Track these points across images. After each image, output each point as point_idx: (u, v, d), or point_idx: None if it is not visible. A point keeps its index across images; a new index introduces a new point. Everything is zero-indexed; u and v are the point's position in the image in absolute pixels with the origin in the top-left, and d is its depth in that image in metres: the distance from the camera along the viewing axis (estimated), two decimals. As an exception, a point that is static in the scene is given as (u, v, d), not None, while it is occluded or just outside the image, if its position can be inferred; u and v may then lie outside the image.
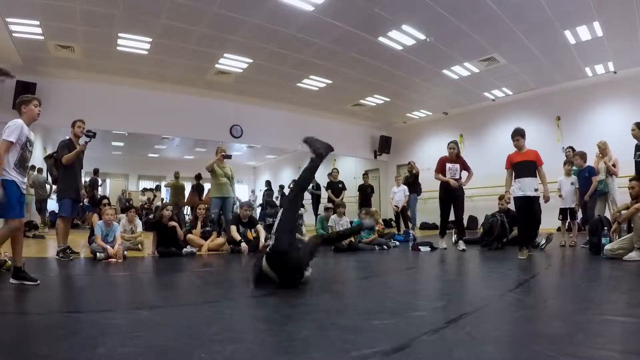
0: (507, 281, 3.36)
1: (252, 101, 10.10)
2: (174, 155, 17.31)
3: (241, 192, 17.61)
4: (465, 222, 9.91)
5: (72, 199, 4.58)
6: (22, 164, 3.03)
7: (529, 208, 4.66)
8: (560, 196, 5.99)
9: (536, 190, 4.67)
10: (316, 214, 9.76)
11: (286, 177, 15.75)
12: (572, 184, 5.85)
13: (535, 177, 4.70)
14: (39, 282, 2.96)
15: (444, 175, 5.52)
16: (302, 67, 8.18)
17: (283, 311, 2.27)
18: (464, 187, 5.62)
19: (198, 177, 10.44)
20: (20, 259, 2.99)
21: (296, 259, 2.86)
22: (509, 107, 10.14)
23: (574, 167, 5.93)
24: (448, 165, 5.59)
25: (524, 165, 4.70)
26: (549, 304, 2.45)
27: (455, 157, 5.67)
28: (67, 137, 4.75)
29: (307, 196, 11.32)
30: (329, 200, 8.81)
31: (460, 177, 5.64)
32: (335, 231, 5.87)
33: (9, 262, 3.31)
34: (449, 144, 5.77)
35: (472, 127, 11.08)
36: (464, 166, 5.71)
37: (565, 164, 6.10)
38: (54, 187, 5.46)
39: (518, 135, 4.79)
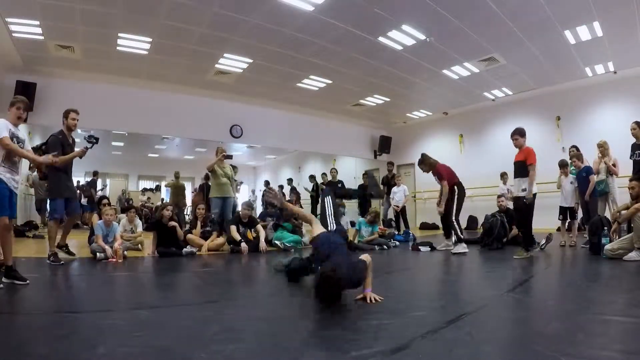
0: (507, 281, 3.36)
1: (252, 101, 10.10)
2: (174, 155, 17.31)
3: (241, 192, 17.60)
4: (465, 222, 9.96)
5: (65, 199, 4.29)
6: (10, 159, 3.02)
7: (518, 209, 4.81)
8: (558, 187, 6.09)
9: (524, 190, 4.62)
10: (315, 215, 9.75)
11: (286, 177, 15.73)
12: (571, 183, 5.85)
13: (525, 177, 4.62)
14: (28, 281, 2.97)
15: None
16: (302, 67, 8.18)
17: (283, 311, 2.27)
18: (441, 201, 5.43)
19: (207, 177, 10.44)
20: (10, 258, 2.99)
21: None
22: (509, 107, 10.14)
23: (572, 168, 5.93)
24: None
25: (516, 165, 4.77)
26: (549, 304, 2.45)
27: (432, 172, 5.60)
28: (59, 130, 4.33)
29: (306, 195, 11.35)
30: None
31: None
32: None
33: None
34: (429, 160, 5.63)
35: (472, 127, 11.08)
36: (439, 177, 5.51)
37: (561, 166, 6.07)
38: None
39: (516, 134, 4.79)
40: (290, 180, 12.41)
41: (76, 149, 4.36)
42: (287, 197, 10.85)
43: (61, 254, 4.39)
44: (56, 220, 4.32)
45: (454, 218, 5.33)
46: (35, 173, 9.71)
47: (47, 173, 4.32)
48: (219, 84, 9.10)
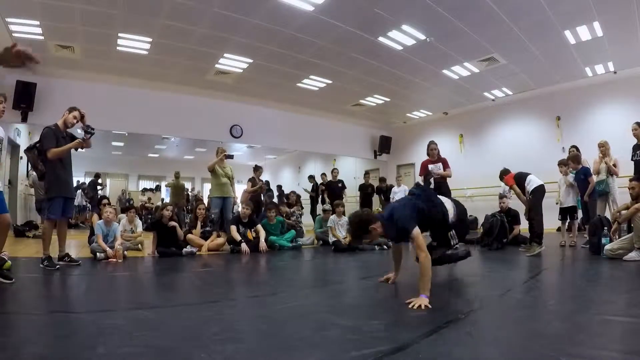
0: (507, 281, 3.36)
1: (252, 101, 10.09)
2: (174, 155, 17.29)
3: (241, 192, 17.58)
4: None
5: (64, 197, 3.96)
6: None
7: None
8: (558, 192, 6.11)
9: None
10: (315, 214, 9.76)
11: (286, 177, 15.70)
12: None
13: None
14: (14, 280, 2.95)
15: None
16: (302, 67, 8.18)
17: (283, 311, 2.26)
18: (435, 177, 5.75)
19: None
20: None
21: None
22: (509, 107, 10.13)
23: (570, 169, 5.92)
24: (430, 166, 5.83)
25: None
26: (549, 304, 2.45)
27: (437, 157, 5.88)
28: (53, 124, 3.99)
29: (305, 196, 11.34)
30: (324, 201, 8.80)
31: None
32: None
33: (9, 261, 3.31)
34: (429, 144, 5.93)
35: (472, 127, 11.08)
36: (445, 165, 5.86)
37: (560, 164, 6.07)
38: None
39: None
40: (280, 187, 12.47)
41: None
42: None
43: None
44: (51, 222, 3.97)
45: None
46: (35, 173, 9.69)
47: (45, 170, 3.91)
48: (219, 84, 9.10)
